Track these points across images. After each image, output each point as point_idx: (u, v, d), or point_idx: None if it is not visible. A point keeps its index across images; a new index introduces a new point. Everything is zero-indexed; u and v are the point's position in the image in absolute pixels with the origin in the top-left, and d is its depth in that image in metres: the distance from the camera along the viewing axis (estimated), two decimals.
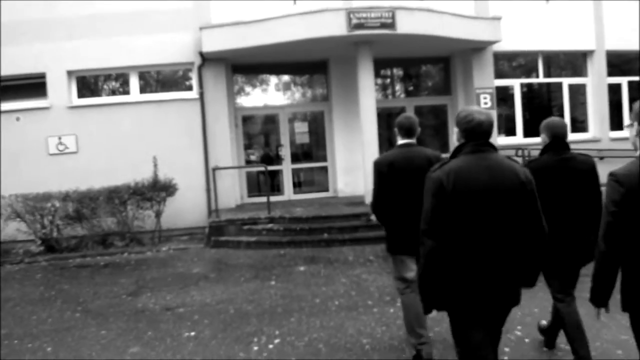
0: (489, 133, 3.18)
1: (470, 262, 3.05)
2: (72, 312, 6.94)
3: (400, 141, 4.78)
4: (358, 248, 9.61)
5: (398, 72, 14.96)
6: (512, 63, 14.80)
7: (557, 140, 4.28)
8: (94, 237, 11.14)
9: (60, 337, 6.04)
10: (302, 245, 9.98)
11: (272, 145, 14.05)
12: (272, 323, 6.01)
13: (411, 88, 15.07)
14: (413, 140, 4.76)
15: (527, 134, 14.09)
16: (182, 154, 12.25)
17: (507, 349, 4.97)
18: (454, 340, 3.31)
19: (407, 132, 4.75)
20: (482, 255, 3.05)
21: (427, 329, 4.62)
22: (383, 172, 4.63)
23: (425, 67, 15.01)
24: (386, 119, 13.71)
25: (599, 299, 3.00)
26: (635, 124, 2.98)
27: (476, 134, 3.14)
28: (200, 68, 12.27)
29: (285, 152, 13.51)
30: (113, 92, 13.01)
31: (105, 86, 13.15)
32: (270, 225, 10.61)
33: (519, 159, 12.02)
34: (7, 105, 12.08)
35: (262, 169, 12.08)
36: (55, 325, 6.45)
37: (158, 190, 11.10)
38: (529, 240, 3.15)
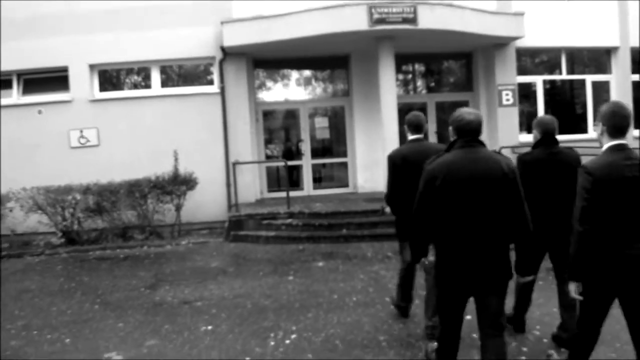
0: (477, 131, 3.64)
1: (458, 241, 3.54)
2: (90, 303, 6.98)
3: (411, 137, 5.22)
4: (377, 244, 9.53)
5: (419, 67, 14.81)
6: (534, 59, 14.56)
7: (548, 136, 4.72)
8: (114, 230, 11.21)
9: (78, 328, 6.08)
10: (320, 240, 9.94)
11: (292, 141, 14.00)
12: (289, 318, 5.97)
13: (432, 84, 14.91)
14: (421, 136, 5.22)
15: None
16: (203, 148, 12.27)
17: (525, 349, 4.90)
18: (437, 304, 3.93)
19: (416, 128, 5.23)
20: (469, 236, 3.51)
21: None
22: (397, 164, 5.00)
23: (446, 62, 14.84)
24: (405, 114, 13.57)
25: (577, 275, 3.51)
26: (600, 124, 3.53)
27: (465, 131, 3.62)
28: (221, 62, 12.27)
29: (306, 147, 13.47)
30: (135, 86, 13.07)
31: (126, 80, 13.20)
32: (289, 221, 10.58)
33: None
34: (29, 99, 12.23)
35: (282, 164, 12.04)
36: (74, 316, 6.49)
37: (178, 184, 11.12)
38: (512, 223, 3.55)
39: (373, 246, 9.45)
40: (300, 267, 8.34)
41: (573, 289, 3.57)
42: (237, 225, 10.77)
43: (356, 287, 7.04)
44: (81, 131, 12.26)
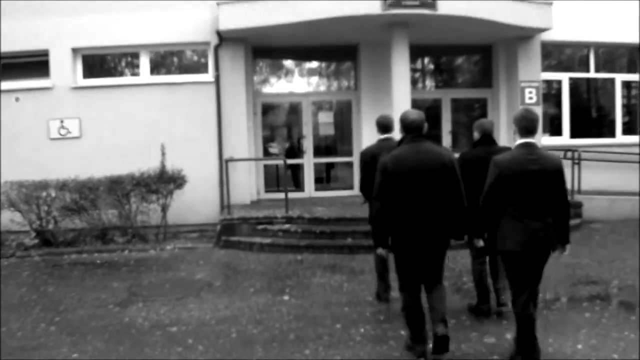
0: (420, 128, 4.44)
1: (406, 220, 4.33)
2: (47, 324, 5.85)
3: (381, 136, 6.23)
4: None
5: (434, 60, 13.62)
6: (560, 55, 13.36)
7: (486, 137, 5.46)
8: (93, 232, 10.09)
9: (26, 356, 4.96)
10: (322, 250, 8.79)
11: (293, 137, 12.87)
12: (281, 354, 4.83)
13: (448, 79, 13.72)
14: (390, 135, 6.12)
15: (574, 134, 12.73)
16: (195, 142, 11.19)
17: None
18: (396, 274, 4.65)
19: (385, 128, 6.22)
20: (415, 216, 4.31)
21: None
22: (367, 162, 5.76)
23: (464, 56, 13.65)
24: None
25: (478, 234, 4.80)
26: (514, 126, 4.29)
27: (411, 129, 4.43)
28: (216, 48, 11.14)
29: (308, 144, 12.33)
30: (121, 73, 11.93)
31: (113, 66, 12.05)
32: (287, 226, 9.44)
33: (568, 162, 10.73)
34: (6, 85, 11.09)
35: (280, 162, 10.85)
36: (23, 341, 5.37)
37: (165, 182, 9.99)
38: (451, 206, 4.38)
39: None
40: (298, 283, 7.18)
41: (481, 242, 4.91)
42: (229, 230, 9.63)
43: (364, 313, 5.86)
44: (62, 121, 11.18)
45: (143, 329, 5.58)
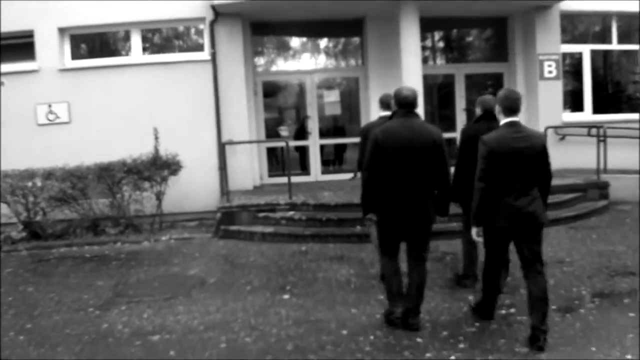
0: (412, 104, 4.62)
1: (393, 191, 4.54)
2: (17, 332, 5.17)
3: (382, 113, 6.26)
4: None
5: (446, 34, 12.73)
6: (581, 26, 12.42)
7: (488, 113, 5.36)
8: (84, 223, 9.42)
9: None
10: (328, 239, 8.05)
11: (296, 118, 12.08)
12: None
13: (461, 53, 12.85)
14: (389, 113, 5.37)
15: (597, 109, 11.85)
16: (191, 125, 10.49)
17: None
18: (378, 239, 4.91)
19: (387, 106, 6.05)
20: (401, 188, 4.52)
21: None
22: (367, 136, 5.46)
23: (478, 28, 12.74)
24: (430, 90, 11.65)
25: (478, 220, 4.42)
26: (498, 105, 4.48)
27: (403, 104, 4.61)
28: (212, 24, 10.38)
29: (313, 125, 11.56)
30: (112, 53, 11.14)
31: (102, 46, 11.29)
32: (290, 214, 8.72)
33: (592, 139, 9.94)
34: None
35: (282, 144, 10.09)
36: None
37: (159, 169, 9.28)
38: (436, 182, 4.61)
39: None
40: (301, 278, 6.45)
41: (474, 232, 4.50)
42: (229, 219, 8.92)
43: (374, 315, 5.12)
44: (49, 106, 10.49)
45: (121, 338, 4.87)
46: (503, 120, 4.37)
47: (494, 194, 4.27)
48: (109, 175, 9.06)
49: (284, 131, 12.05)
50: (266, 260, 7.34)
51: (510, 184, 4.23)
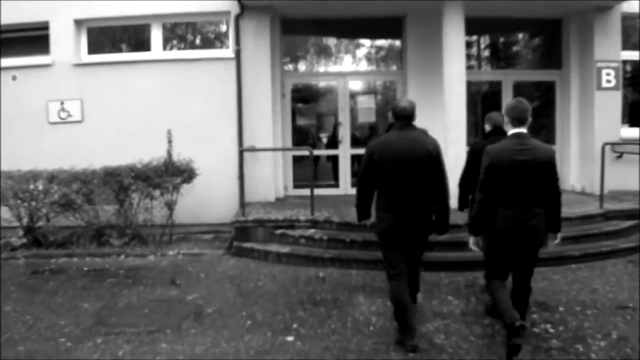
0: (410, 116, 4.53)
1: (391, 202, 4.49)
2: None
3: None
4: (437, 277, 6.58)
5: (493, 37, 11.55)
6: None
7: (497, 129, 5.41)
8: (88, 232, 8.63)
9: None
10: (351, 264, 7.04)
11: (326, 124, 11.11)
12: None
13: (509, 58, 11.65)
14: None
15: None
16: (211, 129, 9.70)
17: None
18: (382, 256, 4.74)
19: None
20: (398, 199, 4.46)
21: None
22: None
23: (528, 31, 11.53)
24: (473, 98, 10.54)
25: (477, 231, 4.45)
26: (506, 116, 4.41)
27: (400, 116, 4.54)
28: (237, 19, 9.53)
29: (344, 132, 10.57)
30: (130, 49, 10.39)
31: (120, 41, 10.54)
32: (311, 232, 7.75)
33: None
34: (2, 62, 9.76)
35: (305, 153, 9.12)
36: None
37: (171, 175, 8.43)
38: (433, 197, 4.52)
39: (431, 280, 6.44)
40: (312, 314, 5.43)
41: (471, 241, 4.57)
42: (243, 234, 8.01)
43: None
44: (62, 103, 9.81)
45: None
46: (510, 131, 4.31)
47: (493, 206, 4.23)
48: (116, 181, 8.25)
49: (323, 138, 11.18)
50: (277, 286, 6.37)
51: (510, 197, 4.18)
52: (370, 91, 11.13)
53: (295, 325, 5.08)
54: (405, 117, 4.50)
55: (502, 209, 4.19)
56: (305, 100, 11.30)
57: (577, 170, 10.55)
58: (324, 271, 6.89)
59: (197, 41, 10.50)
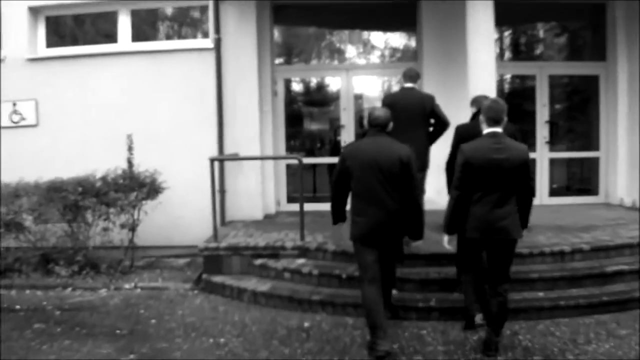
0: (383, 125, 4.60)
1: (363, 207, 4.53)
2: None
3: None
4: (454, 328, 4.96)
5: (525, 25, 9.83)
6: None
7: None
8: (32, 257, 7.14)
9: None
10: (347, 310, 5.40)
11: (327, 127, 9.55)
12: None
13: (544, 49, 9.95)
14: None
15: None
16: (186, 133, 8.32)
17: None
18: (356, 260, 4.78)
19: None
20: (369, 203, 4.50)
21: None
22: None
23: (566, 18, 9.79)
24: (502, 94, 8.92)
25: (451, 229, 4.42)
26: (481, 115, 4.40)
27: (374, 125, 4.64)
28: (217, 3, 7.99)
29: (347, 136, 8.97)
30: (95, 40, 8.89)
31: (83, 32, 9.05)
32: (299, 263, 6.15)
33: None
34: None
35: (294, 161, 7.54)
36: None
37: (129, 190, 6.91)
38: (403, 197, 4.51)
39: (449, 331, 4.86)
40: None
41: (445, 240, 4.50)
42: (214, 265, 6.44)
43: None
44: (14, 104, 8.51)
45: None
46: (485, 130, 4.32)
47: (467, 204, 4.26)
48: (60, 198, 6.73)
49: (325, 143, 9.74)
50: (243, 345, 4.73)
51: (484, 195, 4.19)
52: (377, 87, 9.53)
53: None
54: (378, 125, 4.63)
55: (475, 207, 4.22)
56: (302, 99, 9.72)
57: (625, 180, 8.90)
58: (310, 320, 5.25)
59: (171, 31, 8.98)
